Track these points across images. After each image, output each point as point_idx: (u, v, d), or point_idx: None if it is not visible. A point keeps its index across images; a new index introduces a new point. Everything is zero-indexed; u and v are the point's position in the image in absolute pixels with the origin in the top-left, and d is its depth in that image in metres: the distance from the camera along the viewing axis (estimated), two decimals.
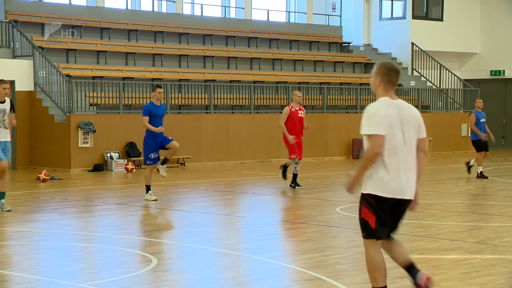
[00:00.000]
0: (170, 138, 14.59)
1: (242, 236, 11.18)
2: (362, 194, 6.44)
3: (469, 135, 29.99)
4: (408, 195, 6.43)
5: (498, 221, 12.03)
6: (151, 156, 14.27)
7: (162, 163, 14.46)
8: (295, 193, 15.99)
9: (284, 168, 16.47)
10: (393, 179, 6.34)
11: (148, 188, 14.39)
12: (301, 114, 16.40)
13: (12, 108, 12.99)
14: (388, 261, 8.87)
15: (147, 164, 14.34)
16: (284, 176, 16.48)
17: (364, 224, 6.43)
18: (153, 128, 14.21)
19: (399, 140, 6.37)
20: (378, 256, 6.46)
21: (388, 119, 6.39)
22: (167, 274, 8.30)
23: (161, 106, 14.59)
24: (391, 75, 6.73)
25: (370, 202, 6.39)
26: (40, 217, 12.90)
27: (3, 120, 12.86)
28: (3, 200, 13.07)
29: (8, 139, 13.05)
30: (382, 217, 6.37)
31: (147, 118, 14.34)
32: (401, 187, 6.37)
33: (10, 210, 12.90)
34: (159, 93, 14.44)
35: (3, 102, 12.94)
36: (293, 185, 16.46)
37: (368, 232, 6.41)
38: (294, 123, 16.24)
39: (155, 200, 14.30)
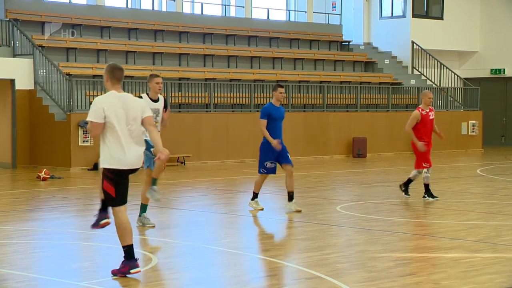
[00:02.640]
0: (288, 155, 12.90)
1: (242, 234, 11.19)
2: (104, 169, 7.93)
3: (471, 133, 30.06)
4: (136, 165, 8.08)
5: (498, 220, 12.04)
6: (266, 164, 12.72)
7: (290, 199, 12.86)
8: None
9: (408, 182, 14.56)
10: (124, 155, 7.92)
11: (255, 195, 13.00)
12: (432, 116, 14.44)
13: (166, 105, 11.23)
14: (388, 260, 8.86)
15: (261, 173, 12.80)
16: (407, 191, 14.60)
17: (105, 194, 7.98)
18: (269, 138, 12.55)
19: (123, 124, 7.94)
20: (125, 218, 8.00)
21: (112, 108, 7.94)
22: (167, 272, 8.30)
23: (280, 108, 12.86)
24: (115, 72, 8.07)
25: (108, 176, 7.93)
26: (40, 216, 12.90)
27: (156, 122, 10.96)
28: (145, 213, 11.29)
29: None
30: (121, 187, 7.96)
31: (264, 122, 12.62)
32: (130, 160, 7.97)
33: (153, 226, 11.20)
34: (281, 93, 12.73)
35: (157, 100, 11.10)
36: (426, 196, 14.37)
37: (111, 201, 7.98)
38: (426, 127, 14.26)
39: (262, 209, 12.91)
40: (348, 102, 27.82)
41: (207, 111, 24.23)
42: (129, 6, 27.86)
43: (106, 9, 26.66)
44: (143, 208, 11.24)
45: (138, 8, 28.70)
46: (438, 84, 31.47)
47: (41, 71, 22.04)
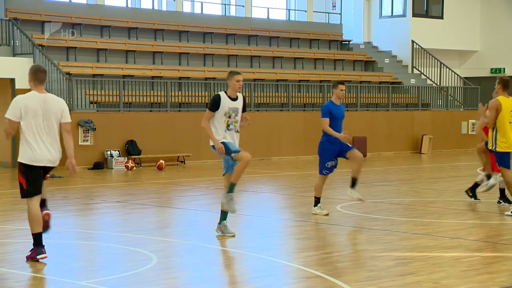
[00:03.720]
0: (350, 145, 12.31)
1: (242, 234, 11.18)
2: (18, 162, 8.63)
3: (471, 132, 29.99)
4: (51, 163, 8.80)
5: (498, 219, 12.04)
6: (327, 164, 12.06)
7: (353, 185, 12.20)
8: (297, 192, 15.94)
9: (475, 187, 13.60)
10: (38, 152, 8.59)
11: (317, 201, 12.25)
12: None
13: (244, 106, 10.41)
14: (388, 259, 8.86)
15: (323, 174, 12.13)
16: (475, 196, 13.68)
17: (20, 186, 8.64)
18: (335, 134, 12.03)
19: (40, 123, 8.55)
20: (35, 208, 8.61)
21: (29, 108, 8.51)
22: (167, 272, 8.30)
23: (341, 106, 12.42)
24: (38, 74, 8.66)
25: (21, 169, 8.60)
26: None
27: (235, 122, 10.27)
28: (225, 221, 10.37)
29: (237, 144, 10.57)
30: (32, 180, 8.60)
31: (327, 120, 12.19)
32: (46, 158, 8.67)
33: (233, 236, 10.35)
34: (341, 90, 12.33)
35: (235, 99, 10.25)
36: (501, 201, 13.45)
37: (23, 192, 8.61)
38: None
39: (327, 215, 12.14)
40: (348, 101, 27.79)
41: None
42: (129, 5, 27.87)
43: (106, 8, 26.66)
44: (223, 215, 10.39)
45: (138, 7, 28.72)
46: (438, 84, 31.46)
47: None
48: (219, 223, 10.39)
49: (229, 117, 10.18)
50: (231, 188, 10.18)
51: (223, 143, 10.19)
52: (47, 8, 24.97)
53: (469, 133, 30.19)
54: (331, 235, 10.76)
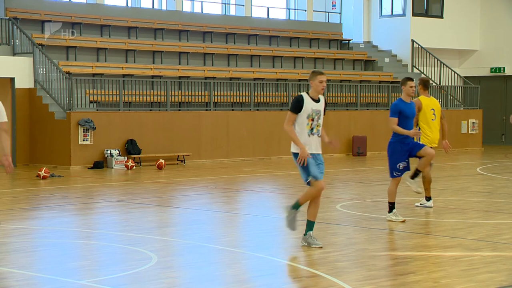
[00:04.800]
0: (421, 143, 11.92)
1: (242, 233, 11.19)
2: None
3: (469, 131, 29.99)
4: None
5: (498, 218, 12.04)
6: (399, 166, 11.45)
7: (413, 177, 11.82)
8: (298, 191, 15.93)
9: None
10: None
11: (392, 206, 11.59)
12: None
13: (325, 108, 9.56)
14: (388, 259, 8.85)
15: (394, 177, 11.51)
16: None
17: None
18: (406, 132, 11.36)
19: None
20: None
21: None
22: (167, 271, 8.30)
23: (411, 104, 11.67)
24: None
25: None
26: (40, 214, 12.90)
27: (317, 125, 9.43)
28: (311, 232, 9.61)
29: (320, 151, 9.53)
30: None
31: (395, 120, 11.40)
32: None
33: (321, 247, 9.45)
34: (411, 87, 11.46)
35: (318, 100, 9.47)
36: None
37: None
38: None
39: (403, 221, 11.50)
40: (348, 100, 27.81)
41: (207, 110, 24.23)
42: (129, 4, 27.86)
43: (106, 7, 26.66)
44: (309, 225, 9.65)
45: (138, 6, 28.71)
46: (438, 83, 31.46)
47: (41, 69, 22.03)
48: (305, 234, 9.66)
49: (312, 120, 9.41)
50: (295, 206, 9.72)
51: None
52: (47, 7, 24.97)
53: (469, 132, 30.19)
54: (331, 234, 10.76)
